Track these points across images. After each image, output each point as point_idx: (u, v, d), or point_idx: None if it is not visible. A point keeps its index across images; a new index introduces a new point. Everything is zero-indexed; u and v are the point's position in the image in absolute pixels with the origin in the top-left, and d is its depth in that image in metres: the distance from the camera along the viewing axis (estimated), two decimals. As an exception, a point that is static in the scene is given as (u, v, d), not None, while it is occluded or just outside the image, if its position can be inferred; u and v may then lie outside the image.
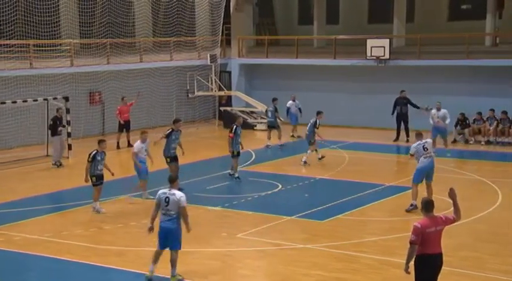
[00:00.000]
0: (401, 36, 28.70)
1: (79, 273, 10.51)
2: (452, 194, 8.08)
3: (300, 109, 23.81)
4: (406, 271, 7.92)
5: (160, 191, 9.95)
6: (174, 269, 9.94)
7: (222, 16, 27.81)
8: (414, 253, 7.82)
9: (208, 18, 28.66)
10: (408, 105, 22.60)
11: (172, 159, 15.49)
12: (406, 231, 11.22)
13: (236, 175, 16.90)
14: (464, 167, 19.08)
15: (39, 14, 22.37)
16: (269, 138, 22.05)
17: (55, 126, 18.99)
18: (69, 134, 20.22)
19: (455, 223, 8.29)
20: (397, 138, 22.81)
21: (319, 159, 19.16)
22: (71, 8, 24.61)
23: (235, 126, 16.85)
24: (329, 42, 28.05)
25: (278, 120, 22.38)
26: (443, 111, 20.19)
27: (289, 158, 20.15)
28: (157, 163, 15.35)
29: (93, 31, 24.64)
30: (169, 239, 9.83)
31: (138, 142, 14.85)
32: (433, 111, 20.30)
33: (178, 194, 9.83)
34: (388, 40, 24.68)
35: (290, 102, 23.94)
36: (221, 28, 27.98)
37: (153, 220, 9.94)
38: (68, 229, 12.78)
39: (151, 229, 9.94)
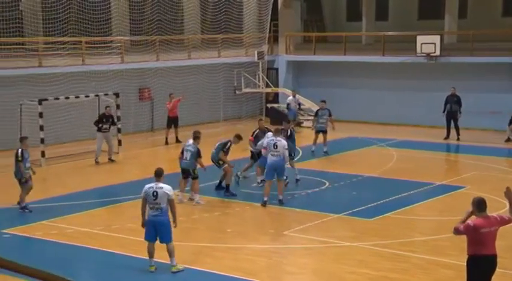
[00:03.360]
0: (453, 33, 28.12)
1: (128, 266, 10.69)
2: (508, 194, 7.85)
3: (299, 105, 24.36)
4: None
5: (147, 186, 10.06)
6: (173, 259, 10.06)
7: (270, 13, 27.80)
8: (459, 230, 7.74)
9: (256, 15, 28.69)
10: (459, 103, 22.18)
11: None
12: (457, 231, 11.01)
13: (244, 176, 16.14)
14: (517, 167, 18.58)
15: (91, 12, 22.83)
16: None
17: (100, 122, 18.98)
18: (119, 130, 20.58)
19: (510, 224, 8.07)
20: (447, 137, 22.40)
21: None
22: (122, 5, 25.02)
23: (258, 131, 16.26)
24: (378, 39, 27.70)
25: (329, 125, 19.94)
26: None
27: (337, 156, 20.00)
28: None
29: (143, 28, 25.00)
30: (160, 232, 9.95)
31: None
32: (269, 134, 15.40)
33: (166, 187, 9.94)
34: (439, 36, 24.21)
35: (290, 97, 24.35)
36: (269, 25, 27.97)
37: (144, 214, 10.10)
38: (118, 222, 13.00)
39: (145, 224, 10.11)
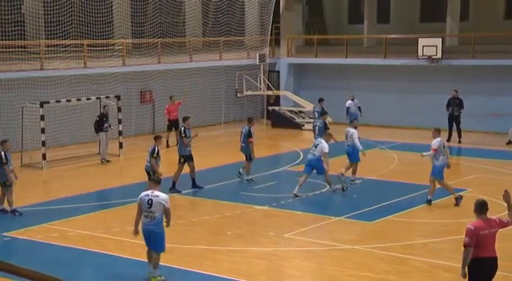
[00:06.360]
0: (454, 35, 28.11)
1: (129, 269, 10.70)
2: (506, 197, 7.86)
3: (359, 108, 23.63)
4: (463, 275, 7.71)
5: (143, 193, 9.78)
6: (156, 270, 9.83)
7: (272, 15, 27.83)
8: (469, 256, 7.62)
9: (258, 17, 28.71)
10: (461, 106, 22.17)
11: (187, 158, 15.60)
12: (458, 233, 11.01)
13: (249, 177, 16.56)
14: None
15: (93, 15, 22.87)
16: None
17: (101, 122, 19.32)
18: (120, 133, 20.61)
19: (510, 226, 8.06)
20: (449, 139, 22.35)
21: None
22: (124, 8, 25.06)
23: (249, 128, 16.36)
24: (379, 41, 27.70)
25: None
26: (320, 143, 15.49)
27: (337, 159, 19.96)
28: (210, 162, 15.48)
29: (145, 31, 25.04)
30: (153, 241, 9.71)
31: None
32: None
33: (162, 196, 9.68)
34: (440, 39, 24.22)
35: (349, 101, 23.72)
36: (270, 27, 28.00)
37: (137, 223, 9.83)
38: (119, 225, 13.00)
39: (136, 233, 9.89)
